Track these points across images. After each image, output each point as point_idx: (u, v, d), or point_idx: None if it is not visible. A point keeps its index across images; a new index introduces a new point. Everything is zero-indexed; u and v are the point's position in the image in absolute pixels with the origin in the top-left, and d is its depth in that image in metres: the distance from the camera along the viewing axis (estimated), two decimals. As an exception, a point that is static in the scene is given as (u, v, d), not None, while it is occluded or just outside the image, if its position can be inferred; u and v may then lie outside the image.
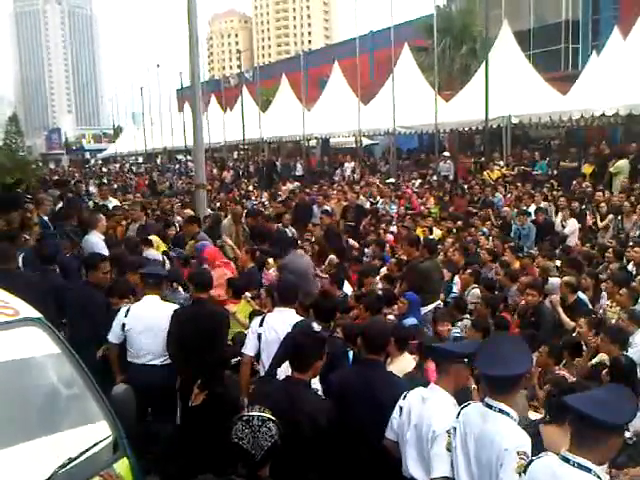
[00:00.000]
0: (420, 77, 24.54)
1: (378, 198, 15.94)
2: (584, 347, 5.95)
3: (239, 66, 49.56)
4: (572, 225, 12.09)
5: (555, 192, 14.97)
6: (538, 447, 3.25)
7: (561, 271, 8.53)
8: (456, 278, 9.00)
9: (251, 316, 6.25)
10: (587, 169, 17.01)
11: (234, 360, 5.57)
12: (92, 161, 60.36)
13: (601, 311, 7.44)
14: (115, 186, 24.68)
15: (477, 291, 8.30)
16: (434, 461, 3.43)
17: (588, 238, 11.95)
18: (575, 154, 18.92)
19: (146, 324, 5.51)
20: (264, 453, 3.12)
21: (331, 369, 4.36)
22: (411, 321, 6.58)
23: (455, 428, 3.37)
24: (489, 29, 20.95)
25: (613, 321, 6.76)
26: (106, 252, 8.09)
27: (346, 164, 26.12)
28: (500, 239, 11.04)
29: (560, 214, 12.67)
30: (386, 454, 3.88)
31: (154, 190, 24.20)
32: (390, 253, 10.82)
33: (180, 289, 7.47)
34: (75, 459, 2.95)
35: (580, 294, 7.44)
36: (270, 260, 8.62)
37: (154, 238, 9.30)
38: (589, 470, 2.66)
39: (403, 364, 5.09)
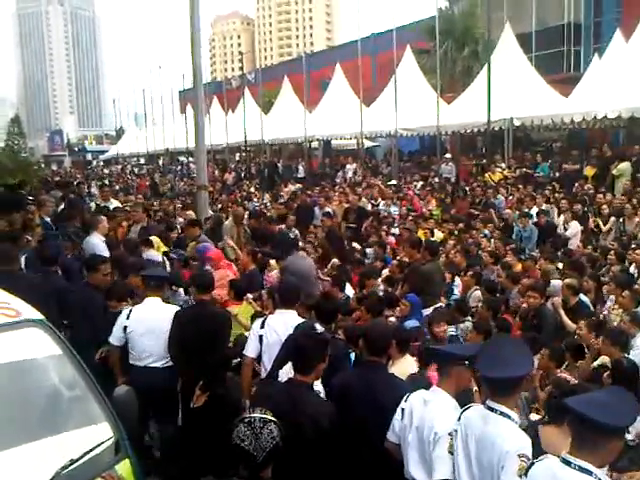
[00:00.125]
0: (422, 79, 24.55)
1: (380, 200, 15.93)
2: (586, 349, 5.95)
3: (241, 68, 49.62)
4: (574, 227, 12.08)
5: (557, 194, 14.96)
6: (537, 449, 3.25)
7: (563, 273, 8.53)
8: (457, 280, 8.99)
9: (253, 318, 6.25)
10: (589, 171, 17.01)
11: (234, 361, 5.57)
12: (94, 162, 60.37)
13: (605, 313, 7.43)
14: (117, 187, 24.67)
15: (478, 293, 8.29)
16: (436, 463, 3.42)
17: (590, 240, 11.94)
18: (577, 156, 18.92)
19: (148, 326, 5.51)
20: (266, 454, 3.13)
21: (333, 371, 4.36)
22: (412, 323, 6.58)
23: (456, 430, 3.37)
24: (491, 31, 20.97)
25: (615, 323, 6.76)
26: (107, 254, 8.12)
27: (348, 166, 26.13)
28: (501, 241, 11.04)
29: (562, 216, 12.66)
30: (388, 456, 3.88)
31: (155, 191, 24.21)
32: (392, 255, 10.82)
33: (180, 291, 7.47)
34: (77, 460, 2.95)
35: (582, 296, 7.43)
36: (272, 262, 8.61)
37: (155, 239, 9.30)
38: (590, 473, 2.66)
39: (404, 366, 5.08)
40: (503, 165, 18.98)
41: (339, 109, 26.92)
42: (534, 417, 4.67)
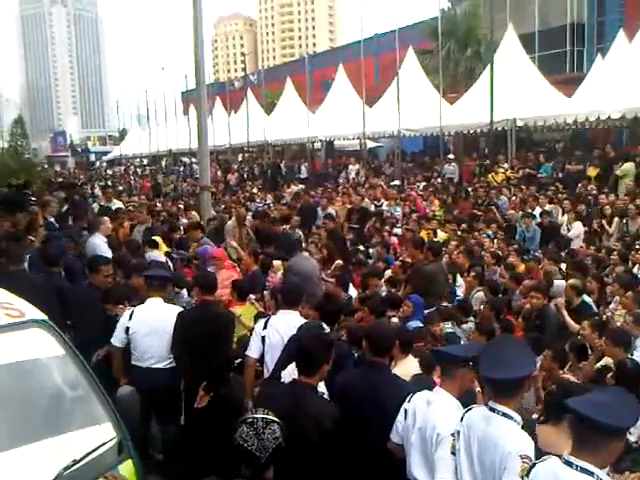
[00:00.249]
0: (425, 80, 24.52)
1: (383, 200, 15.92)
2: (590, 350, 5.94)
3: (244, 69, 49.59)
4: (577, 228, 12.07)
5: (560, 195, 14.95)
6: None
7: (566, 274, 8.51)
8: (460, 281, 8.98)
9: (256, 319, 6.25)
10: (592, 172, 16.98)
11: (236, 362, 5.57)
12: (97, 163, 60.43)
13: (609, 314, 7.41)
14: (120, 188, 24.70)
15: (481, 294, 8.29)
16: (438, 464, 3.42)
17: (593, 241, 11.93)
18: (580, 157, 18.90)
19: (151, 327, 5.51)
20: (268, 455, 3.12)
21: (336, 371, 4.36)
22: (415, 324, 6.58)
23: (459, 431, 3.37)
24: (494, 32, 20.94)
25: (619, 324, 6.74)
26: (109, 254, 8.15)
27: (350, 166, 26.12)
28: (504, 242, 11.04)
29: (565, 217, 12.65)
30: (390, 457, 3.87)
31: (157, 192, 24.23)
32: (394, 256, 10.81)
33: (183, 293, 7.46)
34: (80, 461, 2.96)
35: (585, 297, 7.42)
36: (276, 263, 8.62)
37: (157, 239, 9.31)
38: (592, 474, 2.66)
39: (407, 367, 5.08)
40: (506, 166, 18.96)
41: (342, 110, 26.90)
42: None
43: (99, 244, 8.64)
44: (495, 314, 7.14)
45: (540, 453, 3.10)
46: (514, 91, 19.07)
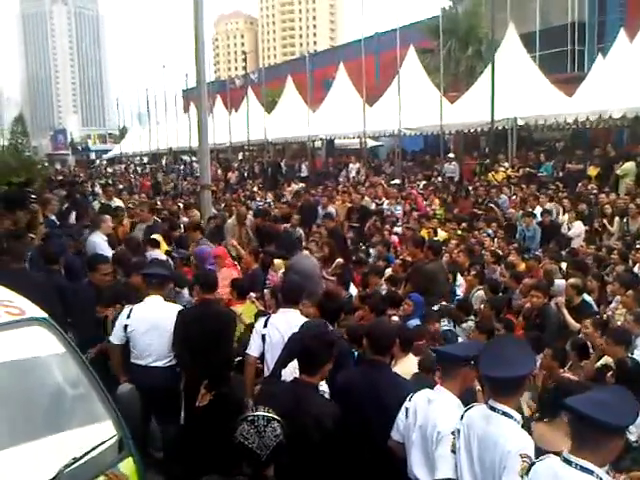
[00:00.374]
0: (425, 79, 24.51)
1: (384, 199, 15.92)
2: (591, 349, 5.94)
3: (244, 67, 49.57)
4: (578, 227, 12.08)
5: (560, 194, 14.95)
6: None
7: (567, 273, 8.51)
8: (460, 280, 8.98)
9: (256, 317, 6.25)
10: (592, 171, 16.99)
11: (236, 360, 5.57)
12: (97, 162, 60.40)
13: (609, 313, 7.41)
14: (120, 186, 24.69)
15: (481, 293, 8.29)
16: (438, 462, 3.43)
17: (593, 240, 11.93)
18: (581, 156, 18.90)
19: (149, 325, 5.49)
20: (269, 453, 3.12)
21: (336, 370, 4.36)
22: (415, 322, 6.58)
23: (459, 430, 3.37)
24: (495, 31, 20.92)
25: (619, 323, 6.75)
26: (109, 252, 8.15)
27: (351, 165, 26.11)
28: (505, 241, 11.04)
29: (566, 216, 12.66)
30: (390, 455, 3.88)
31: (157, 190, 24.22)
32: (394, 254, 10.81)
33: (184, 292, 7.42)
34: (80, 459, 2.97)
35: (585, 296, 7.42)
36: (276, 261, 8.61)
37: (157, 238, 9.30)
38: (591, 472, 2.66)
39: (407, 365, 5.09)
40: (506, 165, 18.96)
41: (342, 108, 26.88)
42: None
43: (99, 242, 8.64)
44: (495, 313, 7.15)
45: (540, 452, 3.10)
46: (515, 90, 19.06)
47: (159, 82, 46.29)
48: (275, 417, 3.22)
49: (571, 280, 7.57)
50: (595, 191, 14.77)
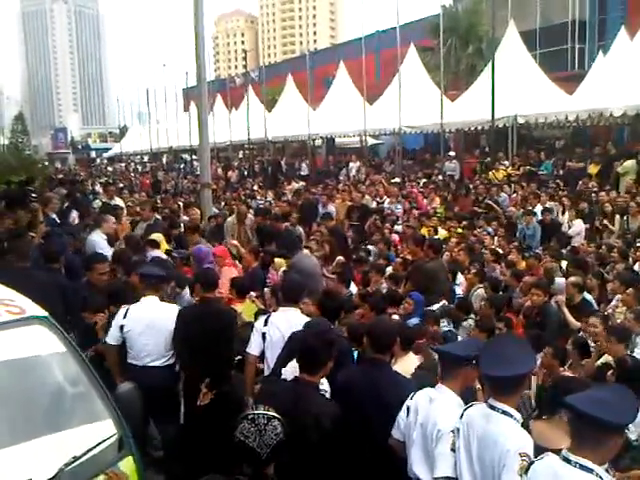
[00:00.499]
0: (426, 77, 24.50)
1: (385, 197, 15.92)
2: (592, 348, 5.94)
3: (245, 66, 49.56)
4: (578, 226, 12.07)
5: (561, 192, 14.95)
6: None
7: (567, 271, 8.51)
8: (460, 278, 8.98)
9: (256, 316, 6.25)
10: (593, 169, 16.98)
11: (236, 358, 5.57)
12: (98, 160, 60.41)
13: (610, 311, 7.41)
14: (121, 185, 24.70)
15: (481, 291, 8.29)
16: (437, 460, 3.43)
17: (594, 238, 11.93)
18: (581, 154, 18.88)
19: (146, 325, 5.45)
20: (270, 451, 3.12)
21: (336, 368, 4.36)
22: (415, 321, 6.59)
23: (459, 428, 3.37)
24: (495, 29, 20.89)
25: (619, 321, 6.75)
26: (109, 251, 8.16)
27: (351, 164, 26.10)
28: (505, 239, 11.04)
29: (567, 214, 12.65)
30: (391, 454, 3.88)
31: (157, 189, 24.21)
32: (395, 253, 10.81)
33: (183, 293, 7.37)
34: (80, 457, 2.97)
35: (586, 294, 7.43)
36: (277, 260, 8.61)
37: (158, 237, 9.28)
38: (591, 470, 2.66)
39: (408, 364, 5.09)
40: (507, 163, 18.95)
41: (343, 107, 26.87)
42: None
43: (98, 241, 8.64)
44: (495, 312, 7.15)
45: (539, 450, 3.10)
46: (515, 88, 19.04)
47: (159, 81, 46.44)
48: (276, 415, 3.22)
49: (572, 278, 7.57)
50: (595, 189, 14.76)
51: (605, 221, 12.11)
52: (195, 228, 9.78)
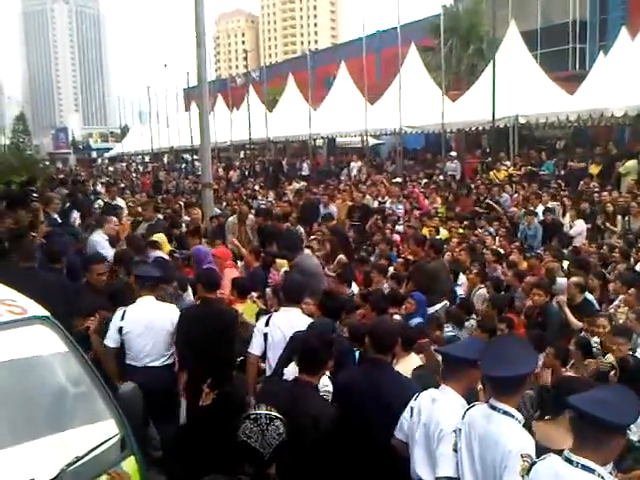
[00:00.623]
0: (427, 77, 24.50)
1: (386, 198, 15.91)
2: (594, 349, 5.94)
3: (246, 66, 49.58)
4: (579, 226, 12.06)
5: (562, 192, 14.94)
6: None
7: (568, 271, 8.51)
8: (462, 279, 8.97)
9: (258, 316, 6.25)
10: (594, 169, 16.97)
11: (239, 359, 5.56)
12: (99, 160, 60.44)
13: (612, 311, 7.41)
14: (122, 185, 24.72)
15: (483, 291, 8.29)
16: (439, 460, 3.43)
17: (595, 238, 11.92)
18: (582, 154, 18.87)
19: (145, 326, 5.44)
20: (272, 451, 3.13)
21: (338, 368, 4.36)
22: (417, 321, 6.58)
23: (460, 429, 3.37)
24: (496, 29, 20.88)
25: (621, 322, 6.75)
26: (110, 252, 8.15)
27: (352, 164, 26.10)
28: (507, 239, 11.03)
29: (568, 214, 12.65)
30: (392, 454, 3.88)
31: (158, 189, 24.22)
32: (396, 253, 10.81)
33: (185, 295, 7.33)
34: (82, 457, 2.97)
35: (587, 295, 7.42)
36: (279, 260, 8.60)
37: (160, 238, 9.27)
38: (593, 471, 2.66)
39: (409, 364, 5.08)
40: (508, 163, 18.93)
41: (344, 107, 26.86)
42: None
43: (100, 241, 8.64)
44: (497, 312, 7.14)
45: (542, 451, 3.10)
46: (516, 88, 19.03)
47: (160, 81, 46.55)
48: (278, 416, 3.23)
49: (574, 278, 7.57)
50: (597, 189, 14.75)
51: (607, 224, 12.11)
52: (196, 231, 9.75)
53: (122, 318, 5.46)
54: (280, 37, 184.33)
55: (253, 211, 12.45)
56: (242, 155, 39.64)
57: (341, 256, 9.78)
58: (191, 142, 34.39)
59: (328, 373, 4.39)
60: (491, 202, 14.36)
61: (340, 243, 10.52)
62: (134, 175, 35.22)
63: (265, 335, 5.19)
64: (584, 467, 2.66)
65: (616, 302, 7.62)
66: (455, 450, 3.38)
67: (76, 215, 11.31)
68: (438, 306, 7.59)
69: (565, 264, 9.02)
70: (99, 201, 13.98)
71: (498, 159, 19.37)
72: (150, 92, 47.39)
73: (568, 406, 2.80)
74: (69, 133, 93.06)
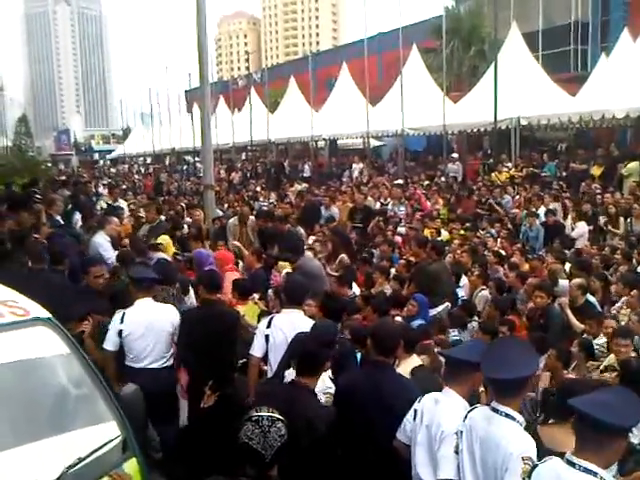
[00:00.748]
0: (428, 78, 24.51)
1: (388, 199, 15.89)
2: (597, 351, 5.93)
3: (247, 67, 49.64)
4: (581, 228, 12.05)
5: (564, 194, 14.93)
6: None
7: (570, 273, 8.50)
8: (464, 280, 8.97)
9: (260, 317, 6.24)
10: (596, 171, 16.97)
11: (240, 362, 5.56)
12: (101, 162, 60.48)
13: (614, 313, 7.40)
14: (124, 187, 24.73)
15: (485, 293, 8.28)
16: (441, 462, 3.42)
17: (597, 240, 11.92)
18: (584, 156, 18.86)
19: (145, 327, 5.42)
20: (274, 453, 3.12)
21: (340, 370, 4.36)
22: (419, 323, 6.58)
23: (462, 431, 3.37)
24: (498, 30, 20.89)
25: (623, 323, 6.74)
26: (112, 254, 8.15)
27: (354, 165, 26.10)
28: (508, 241, 11.02)
29: (570, 216, 12.64)
30: (394, 456, 3.87)
31: (159, 191, 24.23)
32: (399, 254, 10.81)
33: (186, 297, 7.30)
34: (84, 459, 2.96)
35: (589, 296, 7.41)
36: (281, 262, 8.60)
37: (165, 240, 9.25)
38: (595, 474, 2.65)
39: (411, 366, 5.08)
40: (510, 164, 18.93)
41: (345, 108, 26.88)
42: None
43: (102, 243, 8.64)
44: (500, 313, 7.14)
45: (542, 454, 3.09)
46: (518, 90, 19.03)
47: (162, 82, 46.38)
48: (280, 417, 3.22)
49: (577, 280, 7.56)
50: (599, 191, 14.74)
51: (609, 226, 12.10)
52: (198, 235, 9.74)
53: (121, 321, 5.43)
54: (282, 39, 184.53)
55: (254, 213, 12.46)
56: (244, 157, 39.64)
57: (343, 255, 9.77)
58: (193, 144, 34.37)
59: (331, 374, 4.39)
60: (493, 203, 14.36)
61: (342, 243, 10.52)
62: (136, 177, 35.24)
63: (267, 337, 5.18)
64: (586, 470, 2.66)
65: (618, 304, 7.61)
66: (456, 452, 3.38)
67: (78, 217, 11.32)
68: (440, 308, 7.59)
69: (567, 266, 9.02)
70: (101, 202, 14.01)
71: (500, 161, 19.36)
72: (152, 94, 47.46)
73: (569, 408, 2.79)
74: (71, 135, 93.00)
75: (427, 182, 20.03)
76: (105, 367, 5.33)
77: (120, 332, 5.41)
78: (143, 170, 43.00)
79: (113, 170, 45.74)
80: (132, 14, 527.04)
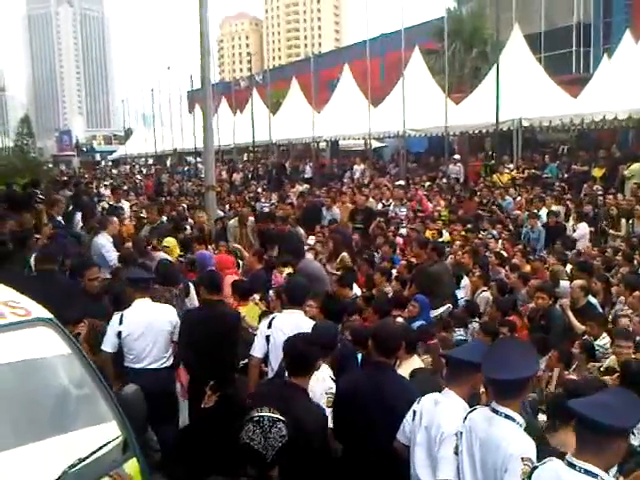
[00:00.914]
0: (430, 80, 24.50)
1: (390, 200, 15.88)
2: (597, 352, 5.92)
3: (249, 68, 49.65)
4: (582, 229, 12.04)
5: (566, 195, 14.92)
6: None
7: (571, 275, 8.50)
8: (465, 281, 8.96)
9: (261, 317, 6.24)
10: (597, 172, 16.95)
11: (242, 362, 5.56)
12: (102, 163, 60.54)
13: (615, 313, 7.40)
14: (125, 188, 24.76)
15: (486, 294, 8.28)
16: (440, 463, 3.42)
17: (599, 241, 11.91)
18: (586, 157, 18.85)
19: (144, 327, 5.43)
20: (275, 453, 3.13)
21: (341, 371, 4.35)
22: (420, 324, 6.58)
23: (461, 432, 3.36)
24: (500, 32, 20.90)
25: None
26: (114, 254, 8.16)
27: (355, 166, 26.10)
28: (510, 242, 11.02)
29: (571, 218, 12.63)
30: (395, 457, 3.87)
31: (160, 191, 24.25)
32: (401, 255, 10.80)
33: (187, 299, 7.31)
34: (85, 459, 2.96)
35: (590, 298, 7.41)
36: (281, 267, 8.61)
37: (170, 242, 9.23)
38: (595, 475, 2.65)
39: (412, 367, 5.08)
40: (511, 166, 18.92)
41: (347, 109, 26.89)
42: (541, 417, 4.66)
43: (104, 244, 8.65)
44: (501, 314, 7.13)
45: (543, 455, 3.09)
46: (520, 91, 19.02)
47: (164, 83, 46.47)
48: (280, 418, 3.23)
49: (578, 281, 7.55)
50: (600, 192, 14.73)
51: (610, 229, 12.09)
52: (200, 240, 9.74)
53: (120, 322, 5.43)
54: (284, 40, 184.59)
55: (257, 213, 12.48)
56: (245, 158, 39.70)
57: (344, 254, 9.76)
58: (194, 145, 34.45)
59: (332, 375, 4.39)
60: (495, 209, 14.30)
61: (343, 242, 10.51)
62: (138, 177, 35.28)
63: (267, 337, 5.18)
64: (587, 472, 2.65)
65: (619, 305, 7.61)
66: (456, 453, 3.38)
67: (79, 217, 11.35)
68: (441, 309, 7.58)
69: (568, 267, 9.01)
70: (103, 203, 14.03)
71: (501, 162, 19.34)
72: (154, 95, 47.52)
73: (569, 410, 2.79)
74: (73, 136, 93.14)
75: (428, 183, 20.01)
76: (103, 369, 5.35)
77: (119, 333, 5.41)
78: (145, 171, 43.01)
79: (115, 171, 45.80)
80: (134, 15, 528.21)
